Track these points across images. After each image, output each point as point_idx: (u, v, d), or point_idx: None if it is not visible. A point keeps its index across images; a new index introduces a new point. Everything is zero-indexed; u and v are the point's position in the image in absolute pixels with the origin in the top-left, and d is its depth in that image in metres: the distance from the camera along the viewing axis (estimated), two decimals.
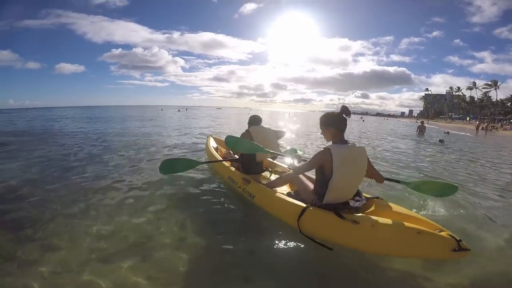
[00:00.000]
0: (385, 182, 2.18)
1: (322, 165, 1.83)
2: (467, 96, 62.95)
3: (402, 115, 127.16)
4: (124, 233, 2.00)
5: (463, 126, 31.17)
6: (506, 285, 1.65)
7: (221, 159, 3.37)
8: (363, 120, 39.35)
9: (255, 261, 1.75)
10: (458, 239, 1.57)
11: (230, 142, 2.84)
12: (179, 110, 42.12)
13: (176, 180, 3.13)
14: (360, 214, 1.85)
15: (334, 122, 1.91)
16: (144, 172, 3.61)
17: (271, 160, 3.35)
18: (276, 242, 1.93)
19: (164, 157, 3.96)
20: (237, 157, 3.16)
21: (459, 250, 1.53)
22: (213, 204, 2.60)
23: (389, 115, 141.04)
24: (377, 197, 2.13)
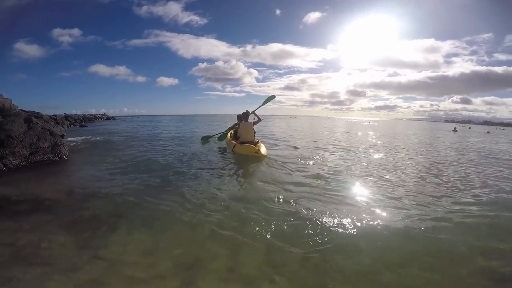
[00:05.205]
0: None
1: (237, 128, 7.28)
2: None
3: None
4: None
5: None
6: None
7: (224, 132, 8.60)
8: (455, 130, 26.22)
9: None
10: (257, 151, 5.87)
11: (220, 136, 8.62)
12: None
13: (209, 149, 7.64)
14: (248, 144, 6.31)
15: (242, 116, 7.19)
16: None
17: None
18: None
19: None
20: (231, 132, 8.13)
21: (256, 153, 5.81)
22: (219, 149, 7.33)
23: (502, 124, 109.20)
24: (259, 142, 6.71)
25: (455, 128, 29.38)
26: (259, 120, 7.18)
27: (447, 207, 3.23)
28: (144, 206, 3.09)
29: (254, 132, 6.87)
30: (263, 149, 6.06)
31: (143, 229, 2.52)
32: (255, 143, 6.45)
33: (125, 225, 2.60)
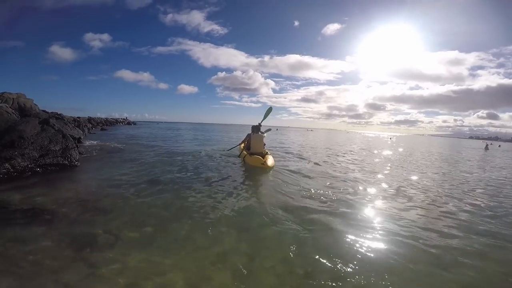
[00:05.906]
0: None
1: (249, 139, 7.79)
2: None
3: None
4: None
5: None
6: None
7: (238, 145, 9.46)
8: (487, 148, 25.16)
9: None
10: (263, 162, 6.38)
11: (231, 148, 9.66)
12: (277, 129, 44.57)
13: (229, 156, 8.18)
14: (256, 156, 6.88)
15: (253, 128, 7.75)
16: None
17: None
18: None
19: None
20: (243, 144, 8.45)
21: (263, 164, 6.32)
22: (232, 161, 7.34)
23: None
24: (268, 153, 7.38)
25: (487, 145, 27.49)
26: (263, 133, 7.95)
27: None
28: (148, 223, 2.88)
29: (264, 144, 7.54)
30: (270, 161, 6.59)
31: (145, 248, 2.33)
32: (264, 155, 7.01)
33: (126, 242, 2.42)
